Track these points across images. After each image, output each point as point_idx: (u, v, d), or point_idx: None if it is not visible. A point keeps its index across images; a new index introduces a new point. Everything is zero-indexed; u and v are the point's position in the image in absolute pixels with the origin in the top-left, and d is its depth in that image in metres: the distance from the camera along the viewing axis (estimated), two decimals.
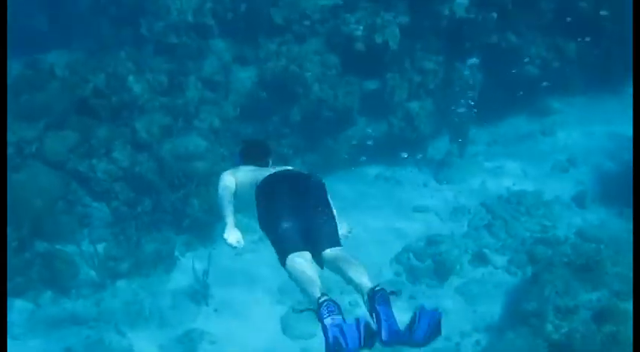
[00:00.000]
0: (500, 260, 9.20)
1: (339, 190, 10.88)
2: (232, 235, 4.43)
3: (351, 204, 10.52)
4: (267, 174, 4.43)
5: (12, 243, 8.56)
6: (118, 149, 9.83)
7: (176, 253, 9.65)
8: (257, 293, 9.11)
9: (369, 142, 10.94)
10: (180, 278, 9.31)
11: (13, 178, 9.04)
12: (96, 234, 9.46)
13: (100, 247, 9.30)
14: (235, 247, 4.43)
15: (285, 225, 4.18)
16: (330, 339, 3.26)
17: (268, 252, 9.66)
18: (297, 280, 3.96)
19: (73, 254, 9.05)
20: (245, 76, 11.50)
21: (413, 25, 11.14)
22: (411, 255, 9.43)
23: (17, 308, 8.64)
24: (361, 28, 10.97)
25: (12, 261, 8.57)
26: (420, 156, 11.23)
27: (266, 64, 11.33)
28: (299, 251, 4.07)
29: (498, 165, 10.90)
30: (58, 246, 9.08)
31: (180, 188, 9.87)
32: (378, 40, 10.86)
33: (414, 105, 11.01)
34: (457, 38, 10.86)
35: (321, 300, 3.52)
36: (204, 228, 9.91)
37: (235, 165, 4.97)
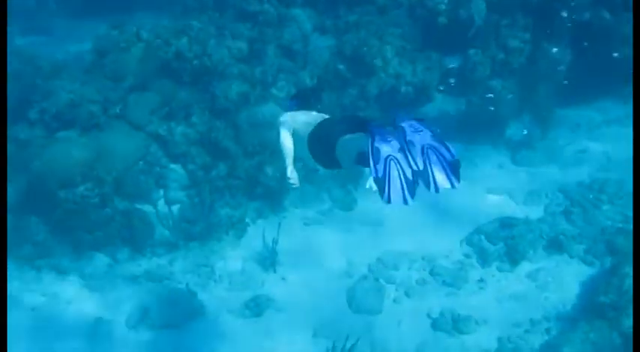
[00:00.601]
0: (576, 248, 8.89)
1: None
2: (294, 174, 4.80)
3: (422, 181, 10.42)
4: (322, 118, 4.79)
5: (94, 199, 8.88)
6: (197, 113, 9.96)
7: (247, 219, 9.80)
8: (324, 264, 9.16)
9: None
10: (251, 244, 9.47)
11: (98, 136, 9.35)
12: (171, 196, 9.69)
13: (175, 208, 9.55)
14: (293, 184, 4.82)
15: None
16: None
17: (336, 223, 9.84)
18: None
19: (150, 213, 9.34)
20: (323, 46, 11.45)
21: (500, 0, 10.75)
22: (483, 237, 9.24)
23: (96, 261, 9.02)
24: (446, 1, 10.69)
25: (93, 215, 8.94)
26: (498, 135, 10.92)
27: (345, 35, 11.23)
28: None
29: (581, 150, 10.47)
30: (136, 205, 9.38)
31: (255, 155, 9.96)
32: (463, 14, 10.56)
33: (495, 84, 10.68)
34: (546, 15, 10.39)
35: None
36: (275, 196, 10.00)
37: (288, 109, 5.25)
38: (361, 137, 4.01)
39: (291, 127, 4.89)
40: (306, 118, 4.95)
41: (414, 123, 3.80)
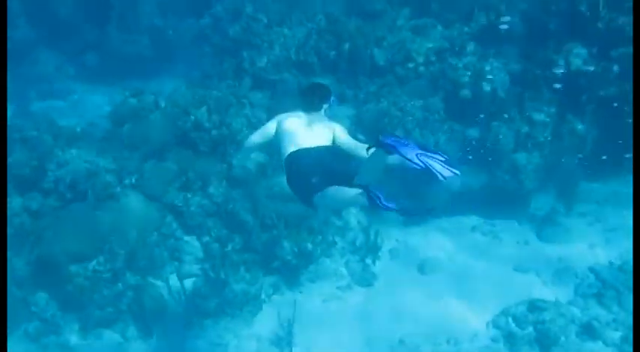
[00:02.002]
0: (612, 335, 8.40)
1: (433, 238, 10.48)
2: None
3: (445, 255, 10.07)
4: None
5: (106, 274, 8.58)
6: (214, 184, 9.77)
7: (263, 295, 9.42)
8: (343, 345, 8.71)
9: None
10: (266, 321, 9.06)
11: (113, 207, 9.12)
12: (185, 269, 9.38)
13: (189, 282, 9.22)
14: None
15: None
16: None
17: (355, 299, 9.45)
18: None
19: (162, 288, 9.00)
20: (343, 116, 11.29)
21: (524, 74, 10.63)
22: (510, 320, 8.79)
23: (105, 339, 8.64)
24: (469, 73, 10.56)
25: (104, 291, 8.62)
26: (523, 210, 10.60)
27: (365, 105, 11.10)
28: None
29: (610, 228, 10.09)
30: (149, 278, 9.06)
31: (272, 228, 9.67)
32: (486, 87, 10.42)
33: (520, 157, 10.41)
34: (572, 90, 10.22)
35: None
36: (292, 271, 9.65)
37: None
38: (379, 153, 4.80)
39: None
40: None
41: (399, 138, 4.67)
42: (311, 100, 6.03)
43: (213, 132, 10.08)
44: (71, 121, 11.28)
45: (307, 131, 5.78)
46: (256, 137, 6.11)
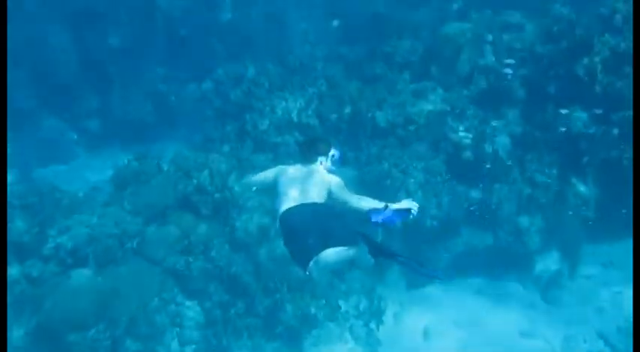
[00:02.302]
0: None
1: (437, 301, 10.32)
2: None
3: (450, 319, 9.90)
4: None
5: (105, 341, 8.38)
6: (216, 248, 9.68)
7: None
8: None
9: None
10: None
11: (114, 272, 9.00)
12: (187, 336, 9.19)
13: (190, 350, 9.02)
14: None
15: None
16: None
17: None
18: None
19: None
20: (345, 178, 11.26)
21: (524, 136, 10.73)
22: None
23: None
24: (470, 136, 10.63)
25: None
26: (527, 272, 10.50)
27: (367, 166, 11.12)
28: None
29: (616, 291, 9.97)
30: (149, 345, 8.85)
31: (275, 292, 9.53)
32: (488, 149, 10.47)
33: (523, 220, 10.38)
34: (573, 152, 10.28)
35: None
36: (295, 336, 9.47)
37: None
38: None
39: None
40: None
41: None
42: (307, 153, 6.05)
43: (216, 195, 10.05)
44: (74, 186, 11.26)
45: (302, 185, 5.78)
46: (256, 180, 6.26)
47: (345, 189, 5.88)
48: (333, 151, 6.13)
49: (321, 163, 6.04)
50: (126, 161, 10.65)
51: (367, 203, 5.62)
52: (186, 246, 9.63)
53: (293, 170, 5.95)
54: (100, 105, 14.54)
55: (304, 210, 5.61)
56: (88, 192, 11.31)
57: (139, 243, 9.43)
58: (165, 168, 10.50)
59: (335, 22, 14.21)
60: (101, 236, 9.12)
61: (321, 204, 5.70)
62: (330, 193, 5.81)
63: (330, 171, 6.09)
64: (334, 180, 5.92)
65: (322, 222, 5.51)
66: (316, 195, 5.72)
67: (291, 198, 5.69)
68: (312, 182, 5.81)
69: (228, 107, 12.84)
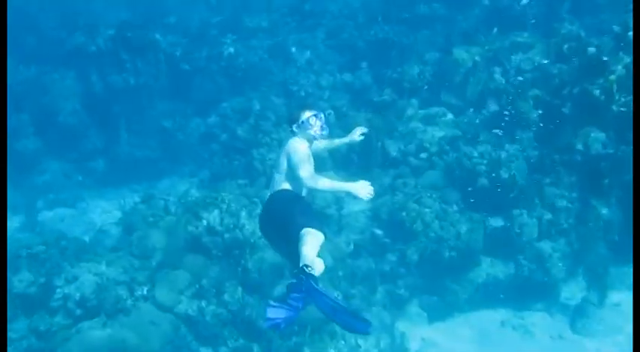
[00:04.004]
0: None
1: (461, 335, 9.92)
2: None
3: None
4: None
5: None
6: (229, 291, 9.35)
7: None
8: None
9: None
10: None
11: (124, 322, 8.68)
12: None
13: None
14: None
15: None
16: None
17: None
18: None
19: None
20: (358, 210, 11.02)
21: (542, 159, 10.40)
22: None
23: None
24: (485, 162, 10.32)
25: None
26: (553, 300, 10.09)
27: (381, 198, 10.82)
28: None
29: None
30: None
31: (292, 335, 9.16)
32: (504, 174, 10.15)
33: (545, 246, 10.02)
34: (593, 174, 9.94)
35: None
36: None
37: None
38: None
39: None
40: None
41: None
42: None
43: (226, 235, 9.75)
44: (80, 230, 11.03)
45: (276, 163, 5.55)
46: None
47: (301, 160, 5.27)
48: (308, 113, 5.51)
49: (295, 133, 5.51)
50: (132, 203, 10.39)
51: (321, 183, 5.18)
52: (197, 290, 9.32)
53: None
54: (105, 145, 14.37)
55: (265, 207, 5.51)
56: (95, 235, 11.06)
57: (149, 289, 9.12)
58: (174, 209, 10.24)
59: (363, 64, 13.97)
60: (110, 284, 8.82)
61: (273, 196, 5.41)
62: (289, 166, 5.33)
63: (315, 139, 5.55)
64: (292, 148, 5.36)
65: (272, 224, 5.34)
66: (280, 171, 5.42)
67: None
68: (280, 157, 5.44)
69: (235, 142, 12.63)
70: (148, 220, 10.03)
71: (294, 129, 5.53)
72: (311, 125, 5.46)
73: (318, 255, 5.03)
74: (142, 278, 9.16)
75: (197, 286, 9.36)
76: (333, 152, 11.55)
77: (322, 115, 5.60)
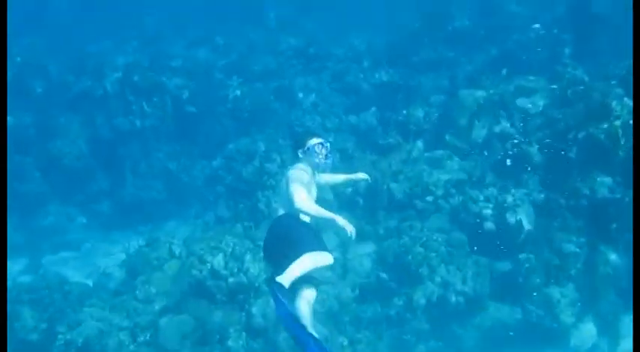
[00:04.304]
0: None
1: None
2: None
3: None
4: None
5: None
6: (233, 337, 9.22)
7: None
8: None
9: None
10: None
11: None
12: None
13: None
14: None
15: None
16: None
17: None
18: None
19: None
20: (363, 254, 10.92)
21: (548, 203, 10.34)
22: None
23: None
24: (491, 206, 10.27)
25: None
26: (563, 349, 9.89)
27: (386, 241, 10.74)
28: None
29: None
30: None
31: None
32: (511, 219, 10.08)
33: (553, 291, 9.87)
34: (600, 219, 9.87)
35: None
36: None
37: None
38: None
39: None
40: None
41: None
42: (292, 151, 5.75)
43: (230, 280, 9.66)
44: (84, 273, 10.95)
45: (278, 190, 5.62)
46: None
47: (296, 186, 5.30)
48: (315, 140, 5.56)
49: (301, 158, 5.56)
50: (137, 246, 10.34)
51: (312, 207, 5.22)
52: (201, 336, 9.18)
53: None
54: (110, 187, 14.41)
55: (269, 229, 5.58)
56: (98, 279, 10.98)
57: (152, 335, 8.99)
58: (178, 252, 10.18)
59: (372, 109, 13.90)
60: (112, 330, 8.71)
61: (276, 221, 5.53)
62: (287, 190, 5.36)
63: (319, 167, 5.60)
64: (291, 174, 5.41)
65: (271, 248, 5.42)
66: (281, 196, 5.49)
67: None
68: (282, 181, 5.51)
69: (240, 184, 12.63)
70: (152, 263, 9.97)
71: (300, 154, 5.57)
72: (316, 153, 5.52)
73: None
74: (144, 323, 9.05)
75: (200, 332, 9.24)
76: (338, 194, 11.56)
77: (328, 144, 5.67)
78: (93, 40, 19.70)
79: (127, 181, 14.12)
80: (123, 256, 11.34)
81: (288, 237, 5.24)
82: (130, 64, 15.56)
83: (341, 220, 5.16)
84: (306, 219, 5.44)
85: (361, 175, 6.25)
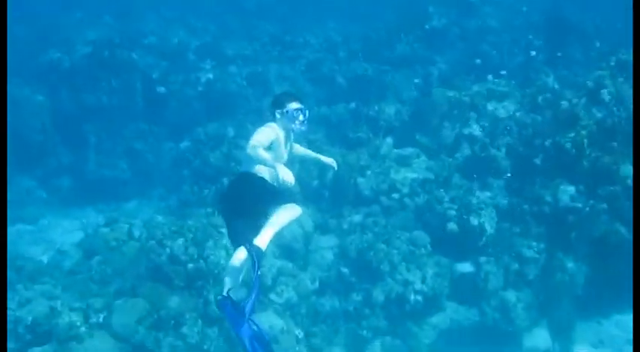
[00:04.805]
0: None
1: None
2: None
3: None
4: None
5: None
6: (188, 323, 9.09)
7: None
8: None
9: None
10: None
11: (76, 349, 8.34)
12: None
13: None
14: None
15: None
16: None
17: None
18: None
19: None
20: (326, 247, 10.88)
21: (512, 208, 10.44)
22: None
23: None
24: (455, 207, 10.33)
25: None
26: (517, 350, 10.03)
27: (350, 236, 10.73)
28: None
29: None
30: None
31: None
32: (474, 221, 10.14)
33: (510, 295, 9.99)
34: (561, 227, 10.00)
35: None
36: None
37: None
38: None
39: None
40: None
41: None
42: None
43: (190, 265, 9.51)
44: (39, 248, 10.66)
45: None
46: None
47: (258, 133, 5.28)
48: (295, 105, 5.55)
49: (277, 119, 5.53)
50: (96, 225, 10.12)
51: (262, 153, 5.12)
52: (155, 320, 9.03)
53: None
54: (72, 163, 14.04)
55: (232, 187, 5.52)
56: (53, 256, 10.72)
57: (106, 317, 8.80)
58: (137, 234, 9.98)
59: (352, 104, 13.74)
60: (64, 310, 8.50)
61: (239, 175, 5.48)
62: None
63: (293, 132, 5.63)
64: (258, 129, 5.37)
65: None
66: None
67: None
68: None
69: (207, 169, 12.45)
70: (111, 244, 9.76)
71: (277, 114, 5.52)
72: (294, 117, 5.47)
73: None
74: (98, 304, 8.85)
75: (155, 316, 9.08)
76: (304, 187, 11.48)
77: (307, 112, 5.63)
78: (64, 11, 19.15)
79: (91, 158, 13.78)
80: (81, 234, 11.11)
81: (258, 196, 5.25)
82: (100, 39, 15.19)
83: (283, 170, 5.08)
84: (263, 171, 5.40)
85: (330, 160, 6.28)
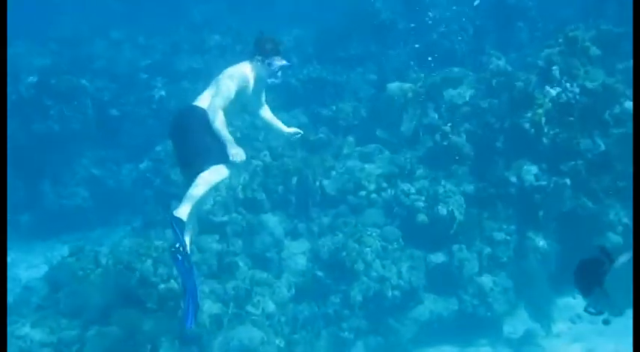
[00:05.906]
0: None
1: None
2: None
3: None
4: None
5: None
6: (164, 346, 8.86)
7: None
8: None
9: None
10: None
11: None
12: None
13: None
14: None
15: None
16: None
17: None
18: None
19: None
20: (298, 252, 10.77)
21: (478, 193, 10.46)
22: None
23: None
24: (423, 198, 10.32)
25: None
26: (497, 335, 10.03)
27: (321, 239, 10.64)
28: None
29: (590, 347, 9.59)
30: None
31: None
32: (442, 211, 10.13)
33: (486, 280, 10.00)
34: (528, 206, 10.05)
35: None
36: None
37: None
38: None
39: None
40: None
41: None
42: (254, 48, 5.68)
43: (161, 286, 9.29)
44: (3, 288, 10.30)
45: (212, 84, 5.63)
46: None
47: (228, 91, 5.43)
48: (281, 62, 5.68)
49: (257, 62, 5.61)
50: (60, 257, 9.83)
51: (218, 123, 5.34)
52: (131, 346, 8.78)
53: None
54: (30, 197, 13.68)
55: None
56: (20, 293, 10.39)
57: (78, 349, 8.53)
58: (104, 261, 9.70)
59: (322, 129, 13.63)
60: (33, 347, 8.22)
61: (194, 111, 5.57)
62: (218, 86, 5.51)
63: (266, 83, 5.71)
64: (239, 70, 5.50)
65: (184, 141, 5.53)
66: (206, 97, 5.54)
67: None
68: (221, 80, 5.59)
69: (169, 187, 12.21)
70: (77, 274, 9.45)
71: (257, 59, 5.59)
72: (274, 71, 5.43)
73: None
74: (69, 338, 8.56)
75: (131, 342, 8.83)
76: (270, 194, 11.34)
77: (287, 69, 5.83)
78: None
79: (48, 190, 13.46)
80: (46, 268, 10.77)
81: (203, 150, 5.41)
82: (46, 67, 14.85)
83: (233, 149, 5.12)
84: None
85: (294, 129, 6.60)
